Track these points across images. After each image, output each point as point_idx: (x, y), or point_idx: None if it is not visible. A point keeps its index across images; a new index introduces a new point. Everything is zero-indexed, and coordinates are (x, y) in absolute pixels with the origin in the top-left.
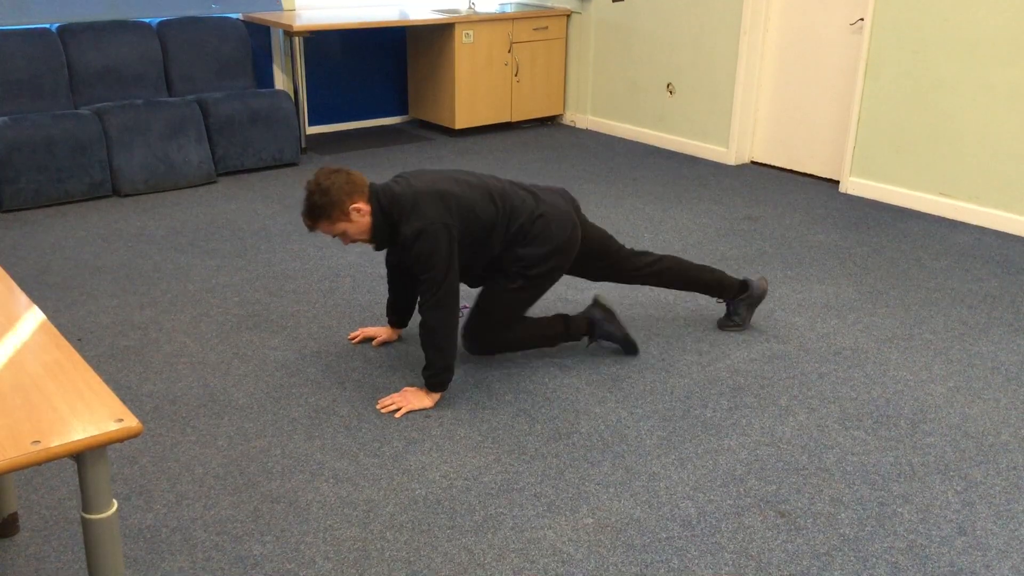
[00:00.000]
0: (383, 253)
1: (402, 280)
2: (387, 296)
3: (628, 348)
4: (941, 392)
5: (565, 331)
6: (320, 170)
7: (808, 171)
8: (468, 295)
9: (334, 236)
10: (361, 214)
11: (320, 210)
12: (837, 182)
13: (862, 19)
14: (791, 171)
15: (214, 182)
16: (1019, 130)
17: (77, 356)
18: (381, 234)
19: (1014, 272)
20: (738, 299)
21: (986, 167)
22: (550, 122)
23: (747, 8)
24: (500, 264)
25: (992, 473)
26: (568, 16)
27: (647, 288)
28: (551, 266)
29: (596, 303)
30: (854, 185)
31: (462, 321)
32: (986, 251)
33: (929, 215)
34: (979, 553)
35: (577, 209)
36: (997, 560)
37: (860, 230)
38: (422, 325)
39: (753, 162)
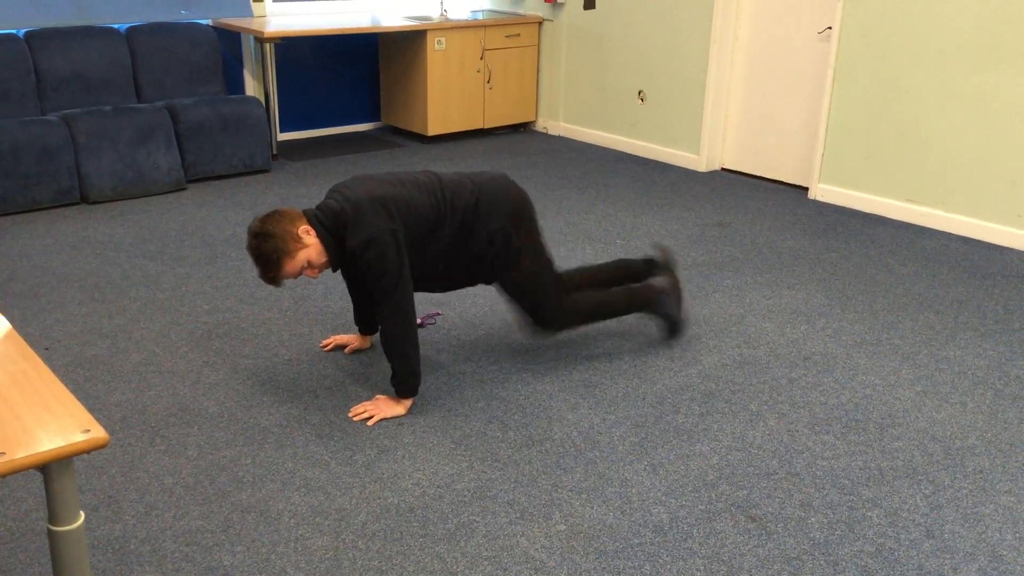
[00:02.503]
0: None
1: (361, 291)
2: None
3: (674, 331)
4: (909, 397)
5: (631, 302)
6: (250, 227)
7: (778, 178)
8: (437, 303)
9: (300, 273)
10: (311, 235)
11: (274, 253)
12: (806, 188)
13: (830, 27)
14: (761, 178)
15: (184, 189)
16: (984, 137)
17: (43, 366)
18: (333, 251)
19: (980, 277)
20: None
21: (952, 173)
22: (522, 129)
23: (717, 16)
24: (488, 263)
25: (959, 476)
26: (540, 23)
27: None
28: (524, 228)
29: (664, 272)
30: (823, 191)
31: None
32: (952, 256)
33: (896, 221)
34: (947, 556)
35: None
36: (964, 563)
37: (829, 236)
38: (382, 334)
39: (723, 169)
